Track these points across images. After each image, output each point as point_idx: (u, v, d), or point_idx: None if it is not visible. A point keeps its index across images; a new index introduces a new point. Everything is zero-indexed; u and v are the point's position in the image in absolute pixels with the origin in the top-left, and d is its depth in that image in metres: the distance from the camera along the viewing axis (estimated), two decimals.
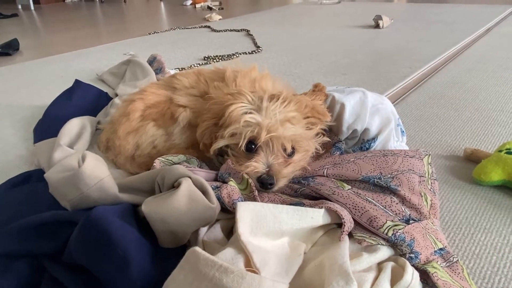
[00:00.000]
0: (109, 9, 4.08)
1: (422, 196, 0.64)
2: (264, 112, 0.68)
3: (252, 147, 0.68)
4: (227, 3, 4.09)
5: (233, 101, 0.69)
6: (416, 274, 0.51)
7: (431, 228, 0.60)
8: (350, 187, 0.65)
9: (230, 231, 0.61)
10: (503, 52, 1.74)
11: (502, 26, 2.35)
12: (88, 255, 0.51)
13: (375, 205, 0.60)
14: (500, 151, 0.79)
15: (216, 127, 0.72)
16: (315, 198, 0.64)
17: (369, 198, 0.61)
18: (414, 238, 0.55)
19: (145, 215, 0.55)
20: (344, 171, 0.67)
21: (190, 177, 0.59)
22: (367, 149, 0.77)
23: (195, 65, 1.66)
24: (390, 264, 0.52)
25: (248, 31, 2.35)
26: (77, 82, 1.25)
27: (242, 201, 0.60)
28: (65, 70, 1.69)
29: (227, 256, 0.48)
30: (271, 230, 0.53)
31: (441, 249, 0.57)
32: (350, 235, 0.57)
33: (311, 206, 0.58)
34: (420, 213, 0.62)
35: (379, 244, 0.55)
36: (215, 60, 1.74)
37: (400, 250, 0.55)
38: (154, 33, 2.49)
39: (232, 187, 0.63)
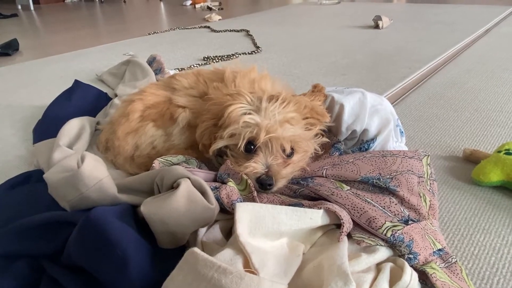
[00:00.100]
0: (109, 9, 4.08)
1: (421, 197, 0.64)
2: (263, 112, 0.68)
3: (251, 148, 0.68)
4: (227, 4, 4.09)
5: (232, 102, 0.69)
6: (415, 275, 0.51)
7: (430, 228, 0.60)
8: (349, 187, 0.65)
9: (229, 232, 0.61)
10: (502, 53, 1.74)
11: (501, 27, 2.35)
12: (87, 255, 0.51)
13: (374, 206, 0.60)
14: (499, 151, 0.79)
15: (215, 128, 0.72)
16: (314, 198, 0.64)
17: (368, 199, 0.61)
18: (413, 238, 0.55)
19: (144, 216, 0.55)
20: (343, 172, 0.67)
21: (189, 178, 0.59)
22: (366, 149, 0.77)
23: (195, 65, 1.67)
24: (389, 264, 0.52)
25: (247, 31, 2.35)
26: (76, 82, 1.25)
27: (241, 201, 0.60)
28: (65, 70, 1.69)
29: (226, 256, 0.48)
30: (270, 231, 0.53)
31: (440, 249, 0.57)
32: (349, 235, 0.57)
33: (310, 206, 0.58)
34: (419, 213, 0.62)
35: (378, 244, 0.55)
36: (214, 61, 1.74)
37: (399, 250, 0.55)
38: (153, 33, 2.49)
39: (231, 188, 0.63)
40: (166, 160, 0.72)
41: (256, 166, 0.66)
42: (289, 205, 0.60)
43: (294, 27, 2.60)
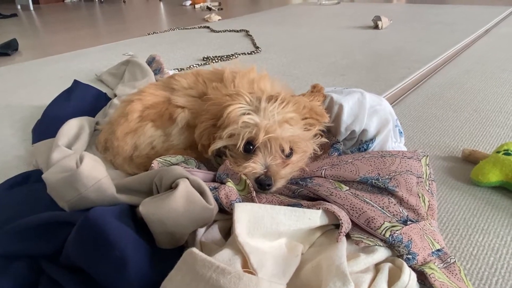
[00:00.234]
0: (109, 9, 4.08)
1: (419, 197, 0.64)
2: (262, 113, 0.68)
3: (250, 148, 0.68)
4: (227, 4, 4.09)
5: (231, 102, 0.69)
6: (413, 275, 0.51)
7: (429, 229, 0.60)
8: (348, 188, 0.65)
9: (228, 232, 0.61)
10: (502, 53, 1.74)
11: (501, 27, 2.35)
12: (85, 256, 0.51)
13: (373, 206, 0.60)
14: (498, 152, 0.79)
15: (214, 128, 0.72)
16: (313, 199, 0.64)
17: (366, 199, 0.61)
18: (411, 239, 0.55)
19: (143, 216, 0.55)
20: (342, 172, 0.67)
21: (188, 178, 0.59)
22: (365, 150, 0.77)
23: (194, 65, 1.67)
24: (388, 265, 0.52)
25: (247, 31, 2.35)
26: (76, 82, 1.25)
27: (240, 202, 0.60)
28: (64, 70, 1.69)
29: (224, 257, 0.48)
30: (269, 231, 0.53)
31: (438, 250, 0.57)
32: (348, 236, 0.57)
33: (308, 207, 0.58)
34: (418, 214, 0.62)
35: (376, 245, 0.55)
36: (214, 61, 1.74)
37: (398, 251, 0.55)
38: (153, 33, 2.49)
39: (230, 188, 0.63)
40: (165, 160, 0.72)
41: (255, 166, 0.66)
42: (288, 205, 0.60)
43: (293, 27, 2.60)
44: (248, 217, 0.52)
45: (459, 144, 0.95)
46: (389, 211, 0.60)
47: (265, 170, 0.66)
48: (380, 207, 0.60)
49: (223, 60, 1.76)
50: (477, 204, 0.72)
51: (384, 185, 0.64)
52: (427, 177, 0.70)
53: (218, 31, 2.44)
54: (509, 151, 0.78)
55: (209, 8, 3.59)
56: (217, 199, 0.60)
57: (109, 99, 1.21)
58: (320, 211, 0.56)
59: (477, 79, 1.41)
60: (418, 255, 0.54)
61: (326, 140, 0.76)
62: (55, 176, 0.62)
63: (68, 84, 1.24)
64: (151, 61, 1.44)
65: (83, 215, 0.53)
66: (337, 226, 0.56)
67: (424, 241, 0.56)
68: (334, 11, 3.27)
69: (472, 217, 0.69)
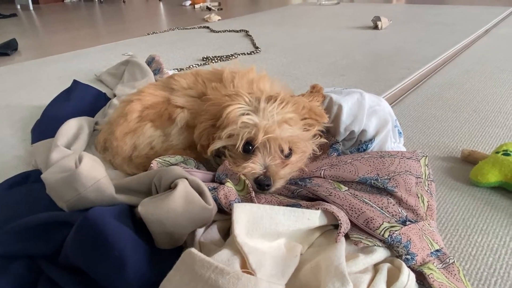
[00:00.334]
0: (108, 9, 4.08)
1: (418, 198, 0.64)
2: (262, 113, 0.68)
3: (249, 148, 0.68)
4: (226, 4, 4.09)
5: (230, 103, 0.70)
6: (412, 276, 0.51)
7: (428, 229, 0.60)
8: (347, 188, 0.65)
9: (227, 232, 0.61)
10: (501, 54, 1.75)
11: (500, 28, 2.35)
12: (84, 256, 0.51)
13: (372, 207, 0.60)
14: (497, 152, 0.79)
15: (214, 128, 0.72)
16: (312, 199, 0.64)
17: (365, 200, 0.61)
18: (410, 239, 0.55)
19: (142, 216, 0.55)
20: (341, 173, 0.67)
21: (187, 178, 0.59)
22: (364, 150, 0.77)
23: (194, 65, 1.67)
24: (386, 265, 0.52)
25: (247, 31, 2.35)
26: (75, 82, 1.25)
27: (239, 202, 0.60)
28: (64, 70, 1.69)
29: (223, 257, 0.48)
30: (268, 232, 0.53)
31: (437, 250, 0.57)
32: (347, 236, 0.57)
33: (307, 207, 0.58)
34: (417, 214, 0.62)
35: (375, 245, 0.55)
36: (213, 61, 1.74)
37: (396, 251, 0.55)
38: (153, 33, 2.49)
39: (229, 188, 0.63)
40: (164, 160, 0.72)
41: (254, 166, 0.66)
42: (287, 205, 0.60)
43: (293, 27, 2.60)
44: (247, 217, 0.52)
45: (458, 144, 0.95)
46: (388, 211, 0.60)
47: (264, 171, 0.66)
48: (379, 207, 0.60)
49: (223, 60, 1.76)
50: (476, 205, 0.72)
51: (383, 186, 0.64)
52: (426, 178, 0.70)
53: (218, 31, 2.44)
54: (508, 152, 0.78)
55: (208, 8, 3.59)
56: (216, 200, 0.60)
57: (108, 99, 1.21)
58: (319, 212, 0.56)
59: (477, 80, 1.41)
60: (417, 255, 0.54)
61: (325, 141, 0.76)
62: (54, 176, 0.62)
63: (67, 84, 1.24)
64: (150, 61, 1.44)
65: (82, 215, 0.53)
66: (336, 226, 0.56)
67: (423, 241, 0.57)
68: (333, 11, 3.27)
69: (471, 218, 0.69)
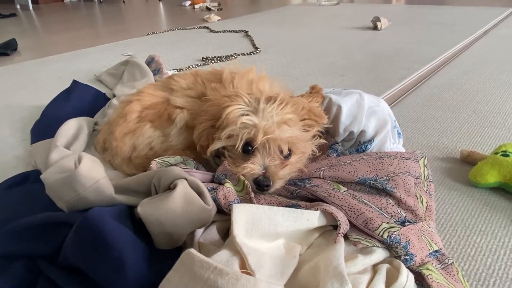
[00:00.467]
0: (108, 10, 4.08)
1: (417, 198, 0.64)
2: (261, 114, 0.68)
3: (248, 149, 0.68)
4: (226, 4, 4.09)
5: (230, 103, 0.70)
6: (411, 276, 0.51)
7: (427, 230, 0.60)
8: (346, 189, 0.65)
9: (226, 233, 0.61)
10: (500, 54, 1.75)
11: (500, 28, 2.36)
12: (83, 256, 0.51)
13: (371, 207, 0.60)
14: (496, 153, 0.79)
15: (213, 129, 0.72)
16: (311, 200, 0.64)
17: (365, 200, 0.61)
18: (409, 240, 0.55)
19: (141, 217, 0.55)
20: (340, 173, 0.67)
21: (186, 179, 0.59)
22: (364, 151, 0.77)
23: (193, 66, 1.67)
24: (385, 266, 0.53)
25: (246, 32, 2.35)
26: (75, 82, 1.25)
27: (238, 202, 0.60)
28: (64, 70, 1.69)
29: (222, 257, 0.48)
30: (267, 232, 0.53)
31: (436, 251, 0.57)
32: (346, 237, 0.57)
33: (307, 208, 0.58)
34: (416, 215, 0.62)
35: (374, 246, 0.55)
36: (213, 61, 1.74)
37: (395, 252, 0.55)
38: (152, 33, 2.49)
39: (229, 189, 0.63)
40: (164, 161, 0.72)
41: (253, 167, 0.66)
42: (286, 206, 0.60)
43: (293, 28, 2.60)
44: (246, 218, 0.52)
45: (457, 145, 0.95)
46: (387, 212, 0.60)
47: (263, 171, 0.67)
48: (378, 208, 0.60)
49: (222, 60, 1.76)
50: (475, 205, 0.72)
51: (382, 186, 0.64)
52: (425, 178, 0.70)
53: (218, 32, 2.44)
54: (507, 152, 0.78)
55: (208, 9, 3.59)
56: (215, 200, 0.60)
57: (108, 99, 1.21)
58: (318, 212, 0.56)
59: (476, 80, 1.41)
60: (416, 256, 0.54)
61: (325, 141, 0.76)
62: (54, 176, 0.62)
63: (67, 84, 1.24)
64: (150, 62, 1.44)
65: (82, 215, 0.53)
66: (335, 227, 0.56)
67: (422, 242, 0.57)
68: (333, 11, 3.27)
69: (470, 218, 0.69)
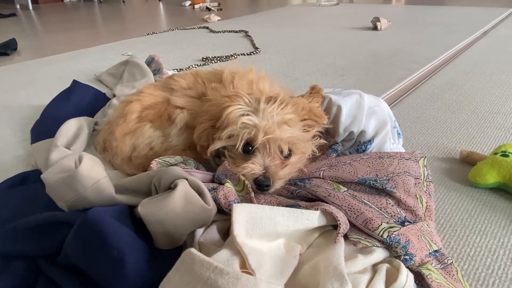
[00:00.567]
0: (108, 10, 4.08)
1: (417, 198, 0.64)
2: (261, 114, 0.68)
3: (249, 149, 0.68)
4: (226, 4, 4.09)
5: (230, 103, 0.70)
6: (411, 276, 0.51)
7: (426, 230, 0.60)
8: (346, 189, 0.65)
9: (226, 233, 0.61)
10: (500, 55, 1.75)
11: (499, 29, 2.36)
12: (84, 256, 0.51)
13: (371, 207, 0.60)
14: (496, 153, 0.79)
15: (213, 129, 0.72)
16: (311, 200, 0.64)
17: (364, 200, 0.62)
18: (409, 240, 0.55)
19: (141, 217, 0.55)
20: (340, 173, 0.68)
21: (186, 179, 0.59)
22: (363, 151, 0.78)
23: (193, 66, 1.67)
24: (385, 265, 0.53)
25: (246, 32, 2.36)
26: (75, 82, 1.25)
27: (238, 202, 0.60)
28: (64, 70, 1.69)
29: (223, 257, 0.48)
30: (267, 232, 0.53)
31: (436, 251, 0.57)
32: (346, 237, 0.57)
33: (307, 208, 0.58)
34: (416, 215, 0.62)
35: (374, 246, 0.55)
36: (213, 61, 1.74)
37: (395, 252, 0.55)
38: (152, 33, 2.49)
39: (229, 189, 0.63)
40: (164, 160, 0.72)
41: (253, 167, 0.67)
42: (286, 206, 0.60)
43: (293, 28, 2.60)
44: (247, 218, 0.53)
45: (457, 145, 0.95)
46: (387, 212, 0.60)
47: (263, 171, 0.67)
48: (378, 208, 0.61)
49: (222, 60, 1.76)
50: (474, 205, 0.72)
51: (382, 186, 0.64)
52: (425, 178, 0.70)
53: (218, 32, 2.44)
54: (507, 153, 0.78)
55: (208, 9, 3.59)
56: (215, 200, 0.60)
57: (108, 99, 1.21)
58: (318, 212, 0.57)
59: (475, 81, 1.41)
60: (416, 256, 0.55)
61: (325, 141, 0.76)
62: (54, 176, 0.62)
63: (67, 84, 1.24)
64: (150, 61, 1.44)
65: (82, 215, 0.53)
66: (335, 227, 0.56)
67: (422, 242, 0.57)
68: (333, 12, 3.28)
69: (470, 218, 0.69)
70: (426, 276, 0.52)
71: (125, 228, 0.53)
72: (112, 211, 0.55)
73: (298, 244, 0.55)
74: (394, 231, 0.56)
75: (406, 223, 0.59)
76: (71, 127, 0.91)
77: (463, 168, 0.84)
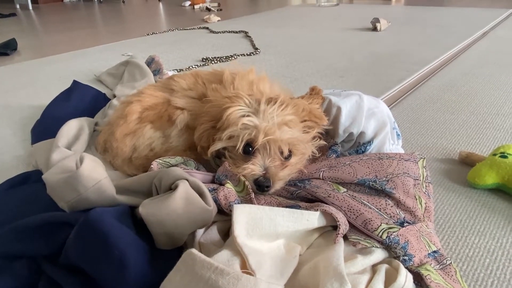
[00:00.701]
0: (108, 10, 4.08)
1: (416, 199, 0.65)
2: (262, 115, 0.68)
3: (249, 150, 0.69)
4: (226, 4, 4.09)
5: (230, 104, 0.70)
6: (410, 277, 0.52)
7: (425, 230, 0.60)
8: (345, 190, 0.66)
9: (226, 233, 0.61)
10: (499, 56, 1.76)
11: (498, 30, 2.37)
12: (85, 256, 0.52)
13: (370, 208, 0.61)
14: (495, 154, 0.80)
15: (214, 130, 0.73)
16: (311, 200, 0.64)
17: (364, 201, 0.62)
18: (408, 240, 0.56)
19: (142, 217, 0.56)
20: (340, 174, 0.68)
21: (187, 179, 0.59)
22: (363, 152, 0.78)
23: (194, 66, 1.67)
24: (384, 266, 0.53)
25: (246, 32, 2.36)
26: (75, 82, 1.25)
27: (238, 203, 0.61)
28: (64, 70, 1.69)
29: (223, 258, 0.49)
30: (267, 232, 0.53)
31: (434, 251, 0.58)
32: (345, 237, 0.57)
33: (306, 208, 0.59)
34: (415, 216, 0.62)
35: (373, 246, 0.55)
36: (213, 62, 1.74)
37: (394, 252, 0.56)
38: (152, 34, 2.49)
39: (229, 189, 0.63)
40: (164, 161, 0.72)
41: (254, 167, 0.67)
42: (286, 206, 0.61)
43: (292, 28, 2.60)
44: (247, 218, 0.53)
45: (456, 146, 0.95)
46: (386, 212, 0.61)
47: (263, 172, 0.67)
48: (377, 208, 0.61)
49: (222, 61, 1.76)
50: (473, 206, 0.73)
51: (381, 187, 0.64)
52: (424, 179, 0.70)
53: (217, 32, 2.44)
54: (506, 154, 0.79)
55: (208, 9, 3.59)
56: (216, 201, 0.61)
57: (108, 99, 1.21)
58: (318, 213, 0.57)
59: (475, 82, 1.42)
60: (415, 256, 0.55)
61: (325, 143, 0.76)
62: (55, 176, 0.62)
63: (67, 84, 1.25)
64: (150, 62, 1.44)
65: (83, 216, 0.53)
66: (335, 227, 0.57)
67: (421, 242, 0.57)
68: (333, 12, 3.28)
69: (469, 219, 0.69)
70: (425, 276, 0.52)
71: (126, 229, 0.53)
72: (113, 212, 0.56)
73: (298, 245, 0.56)
74: (393, 232, 0.56)
75: (405, 224, 0.59)
76: (72, 127, 0.91)
77: (462, 169, 0.84)
